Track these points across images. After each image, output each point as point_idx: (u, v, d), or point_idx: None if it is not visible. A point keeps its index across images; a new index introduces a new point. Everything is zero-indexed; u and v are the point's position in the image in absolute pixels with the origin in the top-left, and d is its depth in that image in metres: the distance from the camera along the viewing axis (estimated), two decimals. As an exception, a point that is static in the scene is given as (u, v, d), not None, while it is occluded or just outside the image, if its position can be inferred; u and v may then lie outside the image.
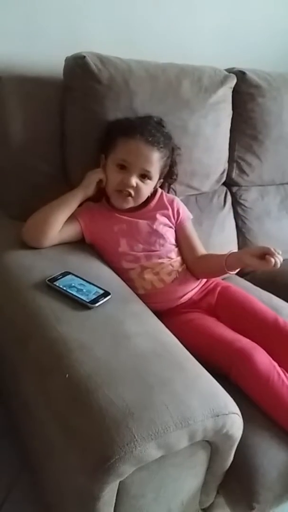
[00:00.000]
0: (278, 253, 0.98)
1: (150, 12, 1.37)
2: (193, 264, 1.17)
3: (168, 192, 1.24)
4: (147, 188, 1.11)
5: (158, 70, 1.21)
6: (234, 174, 1.47)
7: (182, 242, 1.19)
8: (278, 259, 0.98)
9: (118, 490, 0.68)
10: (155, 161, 1.08)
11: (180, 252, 1.18)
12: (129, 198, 1.10)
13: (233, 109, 1.38)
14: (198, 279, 1.17)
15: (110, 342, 0.79)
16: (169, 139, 1.14)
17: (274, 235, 1.53)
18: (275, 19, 1.65)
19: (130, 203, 1.12)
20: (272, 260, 0.97)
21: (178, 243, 1.19)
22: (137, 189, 1.09)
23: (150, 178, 1.10)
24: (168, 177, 1.20)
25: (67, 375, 0.72)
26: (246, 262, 1.03)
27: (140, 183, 1.09)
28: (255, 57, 1.57)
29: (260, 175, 1.51)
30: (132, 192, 1.09)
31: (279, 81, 1.44)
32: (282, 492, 0.85)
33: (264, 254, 0.99)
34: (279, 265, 0.98)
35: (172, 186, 1.25)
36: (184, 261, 1.17)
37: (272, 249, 0.98)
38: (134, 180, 1.07)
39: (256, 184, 1.53)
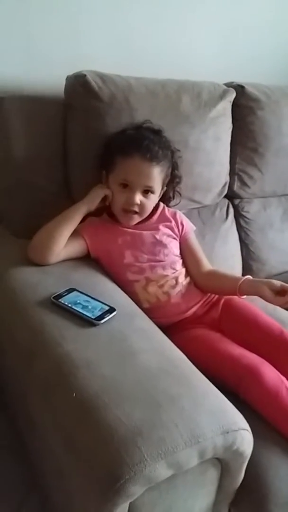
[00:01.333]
0: None
1: (149, 29, 1.39)
2: (200, 279, 1.17)
3: (173, 195, 1.24)
4: (151, 203, 1.12)
5: (158, 86, 1.22)
6: (236, 186, 1.48)
7: (188, 254, 1.19)
8: None
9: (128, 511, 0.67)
10: (156, 175, 1.09)
11: (186, 265, 1.18)
12: (135, 215, 1.11)
13: (233, 122, 1.39)
14: (203, 292, 1.17)
15: (117, 359, 0.79)
16: (167, 148, 1.14)
17: (277, 246, 1.53)
18: (272, 34, 1.67)
19: (136, 220, 1.13)
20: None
21: (183, 256, 1.19)
22: (141, 205, 1.10)
23: (153, 192, 1.11)
24: (171, 181, 1.20)
25: (74, 394, 0.71)
26: (263, 293, 1.04)
27: (143, 199, 1.10)
28: (254, 71, 1.59)
29: (262, 187, 1.52)
30: (137, 209, 1.10)
31: (277, 94, 1.46)
32: (295, 509, 0.84)
33: (284, 291, 1.02)
34: None
35: (177, 189, 1.24)
36: (189, 274, 1.17)
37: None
38: (138, 198, 1.08)
39: (258, 196, 1.54)
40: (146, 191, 1.10)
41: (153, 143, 1.09)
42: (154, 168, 1.08)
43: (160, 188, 1.14)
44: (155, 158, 1.08)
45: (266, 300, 1.04)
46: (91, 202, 1.09)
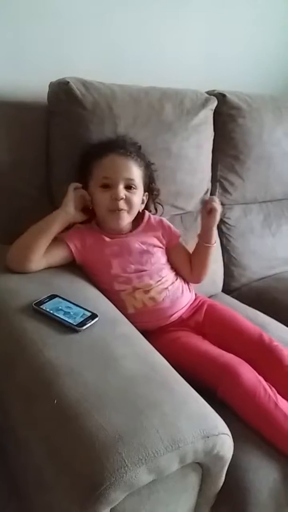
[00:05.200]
0: (213, 200, 1.13)
1: (133, 37, 1.41)
2: (192, 276, 1.21)
3: (155, 208, 1.25)
4: (136, 198, 1.11)
5: (141, 94, 1.24)
6: (218, 193, 1.50)
7: (180, 258, 1.20)
8: (215, 204, 1.12)
9: (109, 518, 0.67)
10: (135, 169, 1.10)
11: (179, 270, 1.20)
12: (124, 213, 1.09)
13: (214, 130, 1.41)
14: (189, 296, 1.19)
15: (98, 365, 0.79)
16: (142, 155, 1.15)
17: (258, 252, 1.56)
18: (254, 44, 1.71)
19: (126, 219, 1.11)
20: (210, 207, 1.11)
21: (175, 262, 1.20)
22: (127, 200, 1.08)
23: (136, 187, 1.10)
24: (150, 194, 1.21)
25: (55, 401, 0.71)
26: (204, 225, 1.16)
27: (128, 193, 1.08)
28: (235, 80, 1.61)
29: (243, 193, 1.54)
30: (125, 206, 1.08)
31: (258, 103, 1.49)
32: (274, 511, 0.85)
33: (208, 208, 1.12)
34: (218, 208, 1.12)
35: (157, 200, 1.24)
36: (182, 276, 1.20)
37: (208, 199, 1.14)
38: (122, 192, 1.07)
39: (239, 203, 1.56)
40: (129, 187, 1.09)
41: (125, 143, 1.13)
42: (130, 161, 1.09)
43: (142, 185, 1.13)
44: (129, 152, 1.10)
45: (209, 223, 1.14)
46: (66, 205, 1.06)
